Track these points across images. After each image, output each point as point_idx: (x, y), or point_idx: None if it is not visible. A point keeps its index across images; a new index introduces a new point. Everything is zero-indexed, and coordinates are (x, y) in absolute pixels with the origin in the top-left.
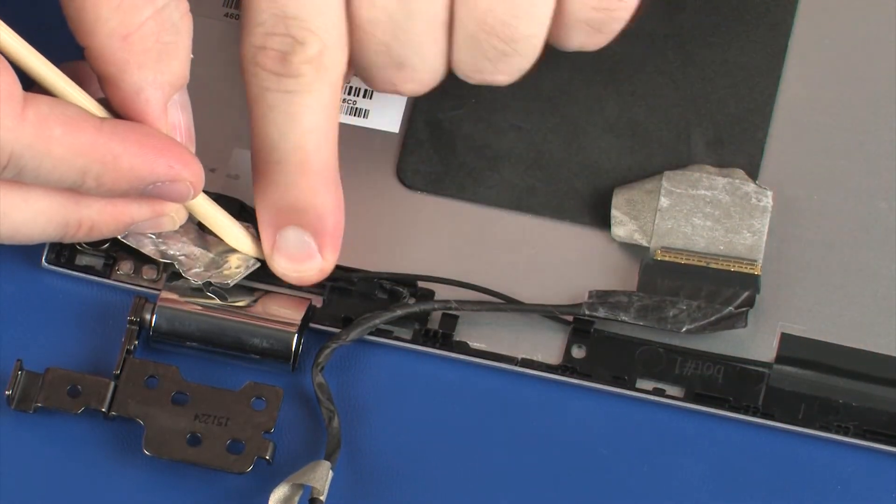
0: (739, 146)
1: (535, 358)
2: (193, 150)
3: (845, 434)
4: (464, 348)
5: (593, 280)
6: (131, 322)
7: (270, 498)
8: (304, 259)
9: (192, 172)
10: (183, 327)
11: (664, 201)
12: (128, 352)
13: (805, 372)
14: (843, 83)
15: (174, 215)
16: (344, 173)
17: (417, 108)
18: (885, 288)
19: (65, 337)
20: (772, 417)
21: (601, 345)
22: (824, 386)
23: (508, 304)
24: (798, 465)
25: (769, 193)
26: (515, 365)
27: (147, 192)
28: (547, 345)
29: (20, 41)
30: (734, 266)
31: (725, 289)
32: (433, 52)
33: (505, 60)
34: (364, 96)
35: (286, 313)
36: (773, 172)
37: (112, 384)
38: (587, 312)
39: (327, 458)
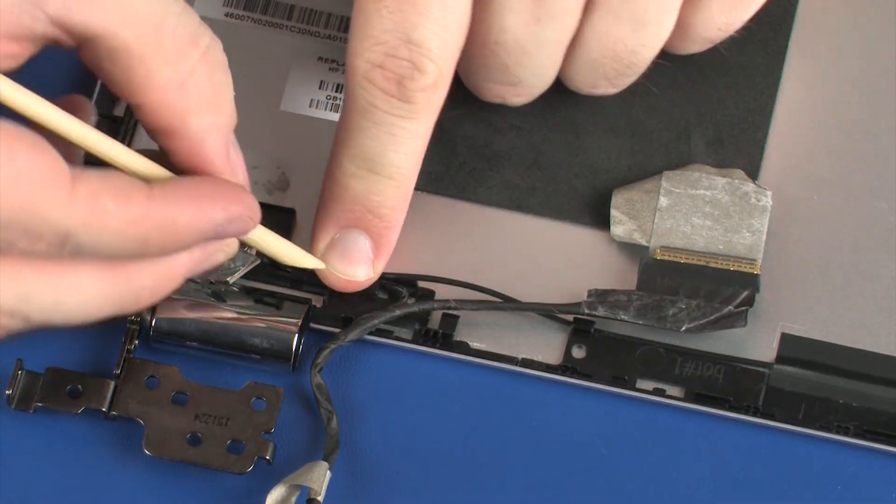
0: (739, 146)
1: (535, 358)
2: (248, 184)
3: (845, 434)
4: (464, 348)
5: (593, 280)
6: (131, 322)
7: (268, 498)
8: (359, 263)
9: (248, 206)
10: (183, 327)
11: (663, 201)
12: (128, 352)
13: (805, 372)
14: (843, 83)
15: (226, 249)
16: None
17: None
18: (885, 288)
19: (65, 337)
20: (772, 417)
21: (601, 345)
22: (824, 386)
23: (508, 304)
24: (798, 465)
25: (768, 193)
26: (515, 365)
27: (208, 239)
28: (547, 345)
29: (56, 109)
30: (733, 265)
31: (725, 288)
32: (550, 73)
33: (622, 79)
34: None
35: (286, 313)
36: (773, 172)
37: (112, 384)
38: (586, 311)
39: (325, 458)
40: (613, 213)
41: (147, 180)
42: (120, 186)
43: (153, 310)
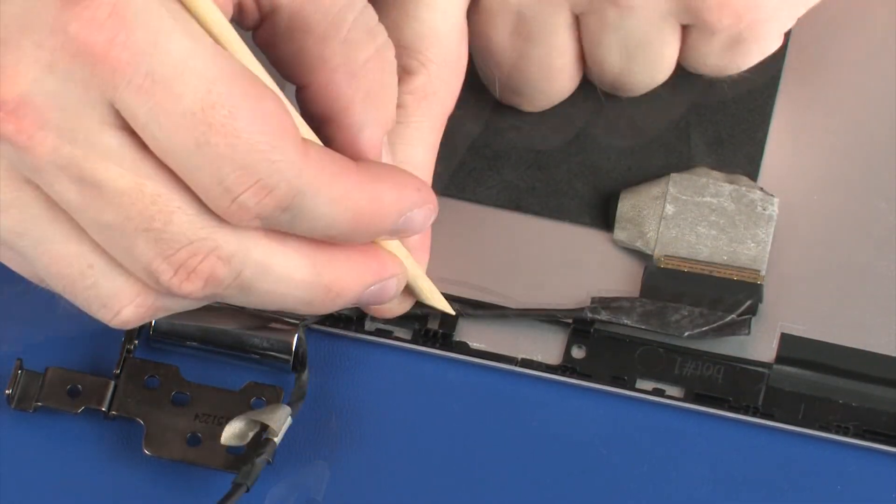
0: (739, 146)
1: (535, 358)
2: None
3: (845, 434)
4: (464, 348)
5: (593, 279)
6: None
7: (226, 429)
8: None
9: (432, 196)
10: (183, 327)
11: (669, 208)
12: (128, 351)
13: (805, 372)
14: (843, 83)
15: (399, 278)
16: None
17: None
18: (885, 288)
19: (65, 336)
20: (772, 417)
21: (601, 345)
22: (824, 386)
23: (511, 310)
24: (798, 465)
25: (775, 201)
26: (515, 365)
27: (398, 228)
28: (547, 345)
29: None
30: (737, 275)
31: (728, 296)
32: (550, 87)
33: (626, 90)
34: None
35: (286, 313)
36: (773, 172)
37: (112, 384)
38: (590, 316)
39: (290, 405)
40: (619, 218)
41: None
42: (337, 157)
43: None
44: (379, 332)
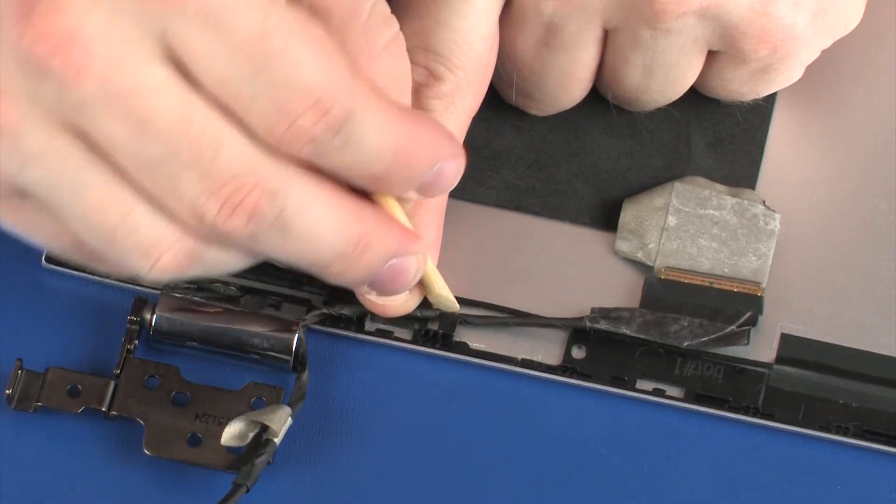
0: (739, 146)
1: (534, 358)
2: None
3: (845, 434)
4: (464, 349)
5: (592, 279)
6: (131, 322)
7: (226, 430)
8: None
9: (462, 151)
10: (183, 327)
11: (672, 220)
12: (128, 351)
13: (805, 372)
14: (843, 83)
15: (420, 259)
16: None
17: None
18: (885, 288)
19: (65, 336)
20: (772, 418)
21: (601, 345)
22: (824, 386)
23: (512, 318)
24: (798, 465)
25: (777, 217)
26: (515, 365)
27: (429, 180)
28: (547, 345)
29: None
30: (737, 287)
31: (728, 308)
32: (563, 96)
33: (636, 105)
34: None
35: (286, 313)
36: (773, 172)
37: (112, 384)
38: (588, 325)
39: (290, 405)
40: (620, 228)
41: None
42: (381, 87)
43: (153, 310)
44: (379, 333)
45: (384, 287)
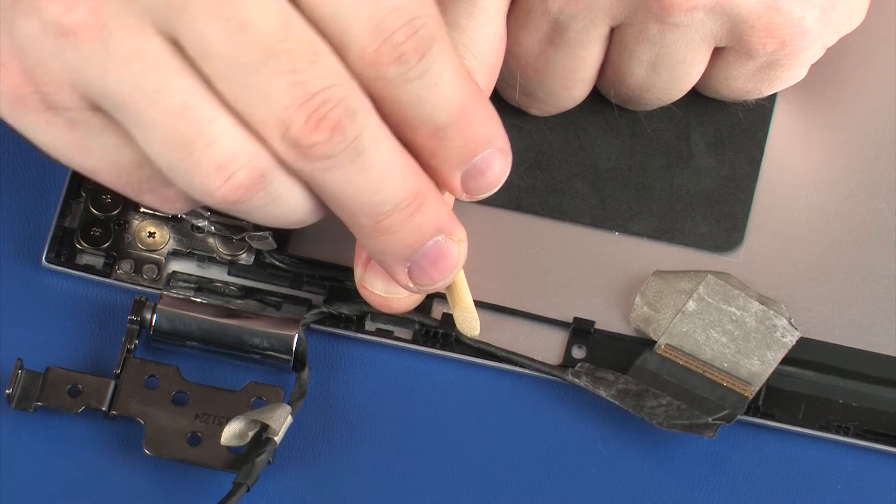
0: (740, 146)
1: (535, 358)
2: None
3: (845, 434)
4: (464, 348)
5: (591, 279)
6: (131, 321)
7: (225, 429)
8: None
9: (510, 152)
10: (183, 327)
11: (692, 305)
12: (128, 351)
13: (805, 372)
14: (844, 83)
15: (462, 247)
16: None
17: None
18: (885, 288)
19: (65, 336)
20: (772, 417)
21: (601, 345)
22: (825, 386)
23: (502, 350)
24: (798, 464)
25: (797, 334)
26: (515, 365)
27: (476, 165)
28: (547, 345)
29: None
30: (727, 382)
31: (711, 398)
32: (565, 95)
33: (638, 104)
34: None
35: (286, 313)
36: (773, 172)
37: (112, 384)
38: (570, 378)
39: (290, 405)
40: (639, 299)
41: None
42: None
43: (154, 309)
44: (379, 332)
45: (423, 270)
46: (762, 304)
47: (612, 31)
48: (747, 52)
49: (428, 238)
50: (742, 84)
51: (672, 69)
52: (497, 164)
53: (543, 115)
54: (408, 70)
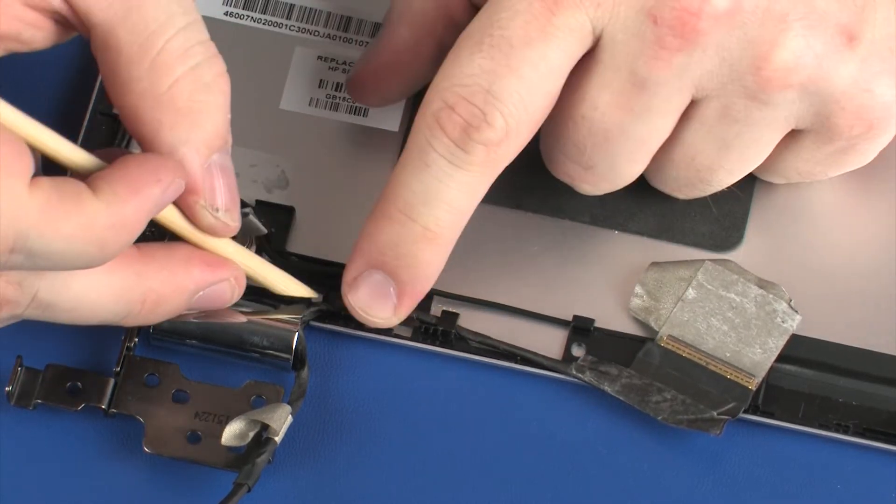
0: None
1: (534, 357)
2: (237, 212)
3: (845, 433)
4: (464, 347)
5: (592, 278)
6: None
7: (226, 430)
8: (379, 307)
9: (173, 169)
10: (183, 325)
11: (691, 293)
12: (128, 349)
13: (805, 371)
14: None
15: (234, 280)
16: (343, 172)
17: (418, 107)
18: (885, 288)
19: (65, 334)
20: (772, 416)
21: (601, 343)
22: (824, 385)
23: (504, 344)
24: (798, 464)
25: (798, 318)
26: (516, 363)
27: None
28: (547, 343)
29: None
30: (731, 374)
31: (715, 392)
32: (626, 170)
33: (691, 190)
34: None
35: (286, 312)
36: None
37: (112, 381)
38: (574, 373)
39: (290, 403)
40: (638, 287)
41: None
42: (71, 191)
43: None
44: (379, 331)
45: (209, 309)
46: (761, 287)
47: (692, 103)
48: (829, 135)
49: (183, 305)
50: (811, 168)
51: (744, 149)
52: (171, 193)
53: (594, 192)
54: (12, 264)
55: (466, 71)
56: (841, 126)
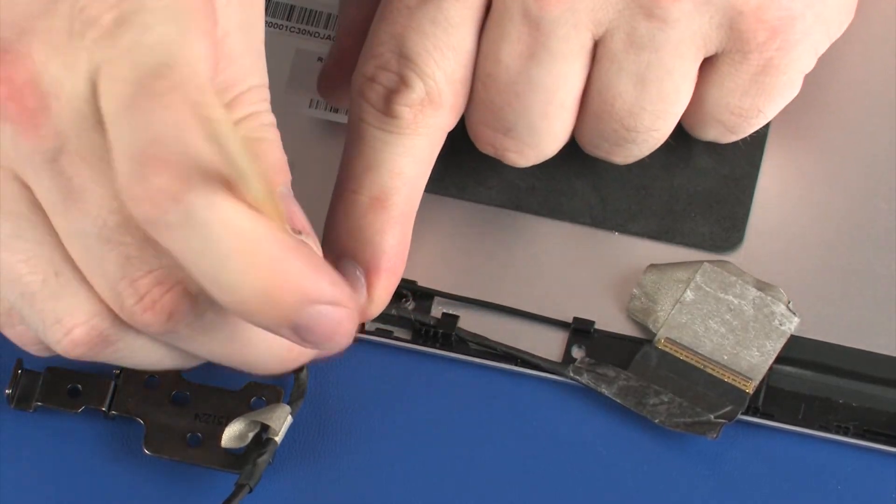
0: (739, 146)
1: (534, 358)
2: (314, 236)
3: (845, 434)
4: (464, 348)
5: (592, 280)
6: None
7: (225, 431)
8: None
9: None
10: None
11: (689, 295)
12: None
13: (805, 372)
14: (843, 82)
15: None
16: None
17: None
18: (885, 288)
19: None
20: (772, 417)
21: (601, 345)
22: (824, 386)
23: (502, 345)
24: (798, 465)
25: (796, 320)
26: (515, 365)
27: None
28: (547, 345)
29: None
30: (729, 377)
31: (712, 395)
32: (544, 128)
33: (622, 146)
34: None
35: None
36: (774, 171)
37: (112, 383)
38: (571, 375)
39: (290, 404)
40: (636, 289)
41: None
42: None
43: None
44: (379, 332)
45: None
46: (759, 289)
47: (596, 45)
48: (740, 52)
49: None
50: (739, 100)
51: (661, 83)
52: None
53: (524, 163)
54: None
55: (376, 42)
56: (745, 33)
